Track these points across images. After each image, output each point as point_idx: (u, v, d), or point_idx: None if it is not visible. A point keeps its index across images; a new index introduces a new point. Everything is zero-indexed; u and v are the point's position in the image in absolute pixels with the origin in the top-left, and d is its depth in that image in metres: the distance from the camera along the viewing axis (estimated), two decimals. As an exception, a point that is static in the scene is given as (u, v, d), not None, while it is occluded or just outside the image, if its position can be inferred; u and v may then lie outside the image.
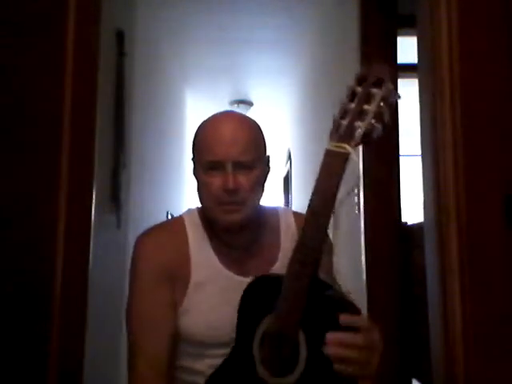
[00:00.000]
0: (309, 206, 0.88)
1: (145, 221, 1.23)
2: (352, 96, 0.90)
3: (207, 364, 1.06)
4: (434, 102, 1.32)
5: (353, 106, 0.89)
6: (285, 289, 0.88)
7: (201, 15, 3.17)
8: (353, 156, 0.87)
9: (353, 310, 0.89)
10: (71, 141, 1.29)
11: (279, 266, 1.09)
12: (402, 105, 2.09)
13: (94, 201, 1.34)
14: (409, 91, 1.62)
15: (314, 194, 0.88)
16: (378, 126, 0.87)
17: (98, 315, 1.60)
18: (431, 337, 1.35)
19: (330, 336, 0.83)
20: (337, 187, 0.87)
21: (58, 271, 1.24)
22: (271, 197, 6.35)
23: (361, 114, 0.88)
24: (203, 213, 1.13)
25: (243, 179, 1.03)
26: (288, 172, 5.19)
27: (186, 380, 1.09)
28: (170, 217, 3.57)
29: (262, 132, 1.11)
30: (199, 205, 1.13)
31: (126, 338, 1.08)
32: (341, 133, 0.88)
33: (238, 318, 0.99)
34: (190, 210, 1.18)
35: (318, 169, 0.90)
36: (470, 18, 1.30)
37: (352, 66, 2.24)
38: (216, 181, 1.03)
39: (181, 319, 1.06)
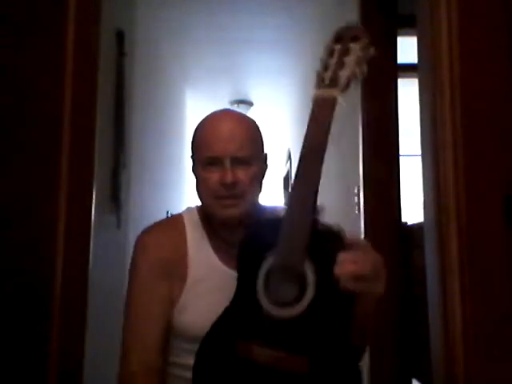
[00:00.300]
0: (300, 156, 0.89)
1: (145, 221, 1.22)
2: (331, 53, 0.94)
3: None
4: (434, 101, 1.32)
5: (333, 60, 0.93)
6: (288, 214, 0.88)
7: (201, 15, 3.17)
8: (340, 100, 0.89)
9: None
10: (71, 141, 1.29)
11: None
12: (402, 105, 2.09)
13: (94, 201, 1.34)
14: (409, 91, 1.62)
15: (304, 144, 0.89)
16: (361, 71, 0.92)
17: (98, 315, 1.60)
18: (431, 337, 1.35)
19: (343, 255, 0.83)
20: (326, 134, 0.88)
21: (58, 271, 1.24)
22: (271, 196, 6.36)
23: (342, 65, 0.92)
24: (202, 211, 1.14)
25: (241, 174, 1.04)
26: (288, 172, 5.19)
27: (180, 376, 1.09)
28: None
29: (259, 130, 1.13)
30: (199, 203, 1.13)
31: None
32: (326, 82, 0.91)
33: (238, 264, 0.98)
34: (189, 209, 1.18)
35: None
36: (469, 18, 1.30)
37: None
38: (214, 176, 1.04)
39: (178, 316, 1.07)
